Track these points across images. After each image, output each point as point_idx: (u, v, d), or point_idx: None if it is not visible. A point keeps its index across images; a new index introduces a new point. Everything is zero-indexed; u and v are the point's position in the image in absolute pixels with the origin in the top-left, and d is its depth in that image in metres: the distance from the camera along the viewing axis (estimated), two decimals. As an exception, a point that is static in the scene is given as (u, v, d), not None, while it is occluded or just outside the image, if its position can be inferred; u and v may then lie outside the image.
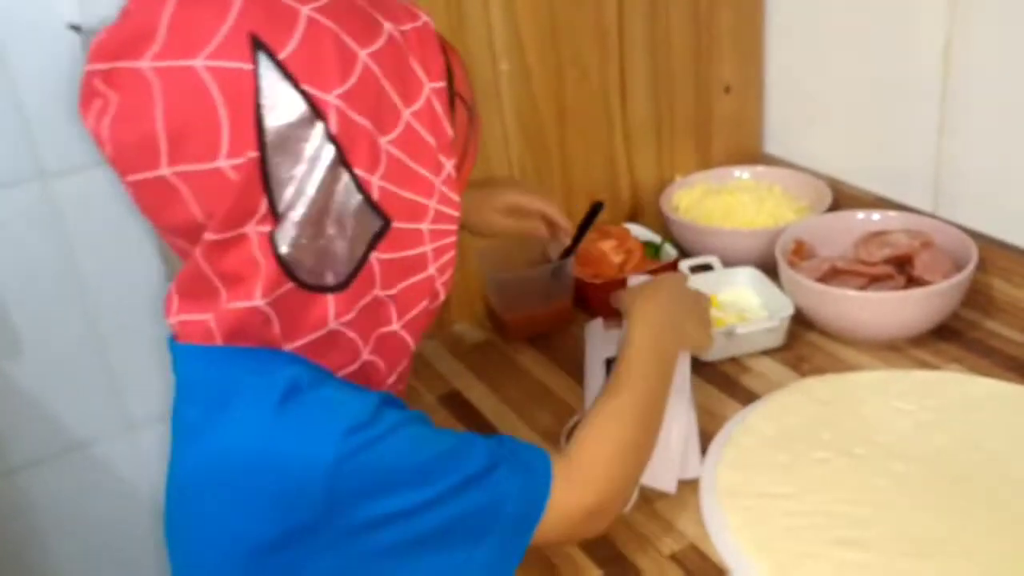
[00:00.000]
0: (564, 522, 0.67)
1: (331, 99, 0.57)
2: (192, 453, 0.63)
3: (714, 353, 1.00)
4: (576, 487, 0.67)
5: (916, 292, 0.96)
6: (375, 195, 0.60)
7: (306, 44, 0.56)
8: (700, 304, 0.90)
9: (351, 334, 0.63)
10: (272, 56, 0.55)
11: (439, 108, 0.64)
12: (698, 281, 1.09)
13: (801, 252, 1.07)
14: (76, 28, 1.05)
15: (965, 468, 0.80)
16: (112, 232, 1.05)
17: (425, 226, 0.64)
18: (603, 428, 0.72)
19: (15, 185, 0.99)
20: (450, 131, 0.65)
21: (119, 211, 1.03)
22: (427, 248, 0.65)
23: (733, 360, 1.00)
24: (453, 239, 0.67)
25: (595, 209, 1.11)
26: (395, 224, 0.62)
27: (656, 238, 1.20)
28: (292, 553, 0.59)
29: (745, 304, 1.06)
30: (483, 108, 1.09)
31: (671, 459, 0.82)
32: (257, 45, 0.55)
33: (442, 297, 0.69)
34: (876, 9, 1.11)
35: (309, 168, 0.57)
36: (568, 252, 1.09)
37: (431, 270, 0.66)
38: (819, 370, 0.96)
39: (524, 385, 1.02)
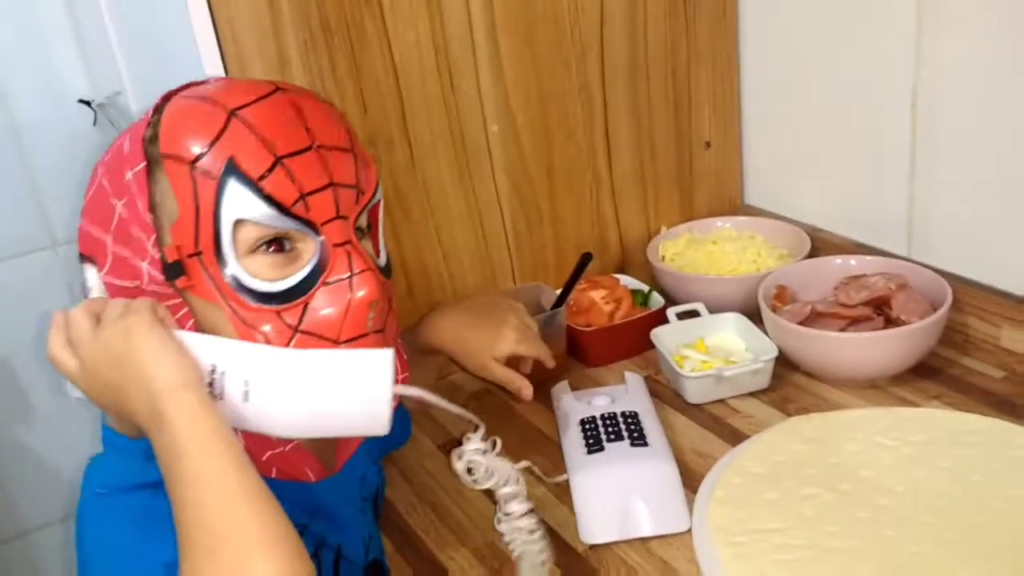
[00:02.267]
0: None
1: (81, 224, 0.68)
2: None
3: (703, 396, 1.04)
4: None
5: (894, 332, 1.00)
6: (110, 292, 0.66)
7: None
8: None
9: None
10: None
11: (135, 189, 0.64)
12: (686, 327, 1.13)
13: (783, 297, 1.11)
14: (87, 103, 1.10)
15: (947, 501, 0.82)
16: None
17: None
18: None
19: (30, 253, 1.03)
20: (144, 211, 0.64)
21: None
22: None
23: (721, 402, 1.04)
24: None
25: (584, 260, 1.16)
26: None
27: (643, 287, 1.24)
28: None
29: (731, 348, 1.10)
30: (476, 169, 1.16)
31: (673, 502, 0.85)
32: None
33: None
34: (845, 63, 1.17)
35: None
36: (559, 302, 1.13)
37: None
38: (804, 410, 1.00)
39: (523, 433, 1.05)
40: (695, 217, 1.35)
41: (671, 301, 1.20)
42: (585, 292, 1.20)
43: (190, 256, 0.63)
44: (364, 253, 0.66)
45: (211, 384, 0.60)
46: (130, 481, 0.63)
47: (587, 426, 0.93)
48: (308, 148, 0.64)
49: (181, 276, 0.64)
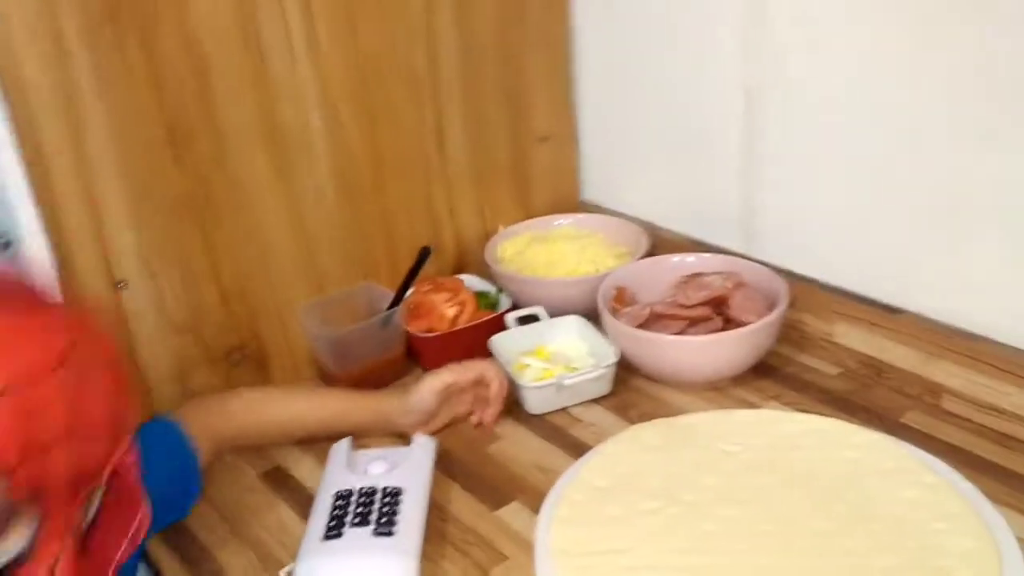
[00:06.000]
0: None
1: None
2: None
3: (544, 406, 0.99)
4: None
5: (731, 333, 0.98)
6: None
7: None
8: None
9: None
10: None
11: None
12: (525, 333, 1.08)
13: (622, 298, 1.08)
14: None
15: (791, 508, 0.81)
16: None
17: None
18: None
19: None
20: None
21: None
22: None
23: (563, 411, 0.99)
24: None
25: (423, 255, 1.09)
26: None
27: (491, 288, 1.18)
28: None
29: (572, 354, 1.06)
30: (296, 162, 1.06)
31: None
32: None
33: None
34: (678, 56, 1.15)
35: None
36: (396, 300, 1.06)
37: None
38: (647, 416, 0.96)
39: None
40: (533, 214, 1.30)
41: (512, 306, 1.14)
42: (427, 295, 1.13)
43: None
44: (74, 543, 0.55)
45: None
46: None
47: (340, 501, 0.82)
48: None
49: None
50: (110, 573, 0.62)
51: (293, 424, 0.96)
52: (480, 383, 0.97)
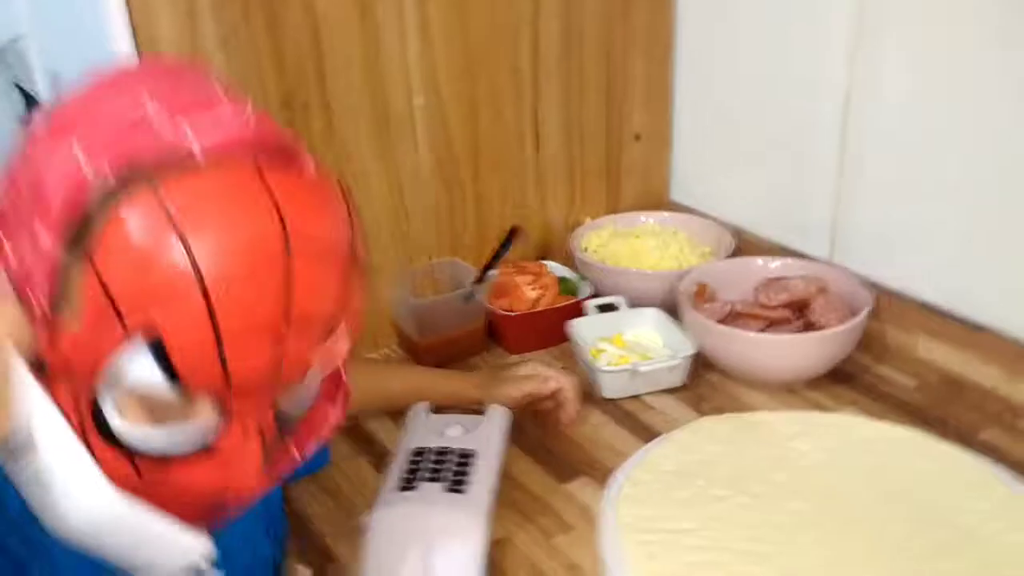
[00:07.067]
0: None
1: None
2: None
3: (618, 391, 1.01)
4: None
5: (812, 335, 0.98)
6: None
7: None
8: None
9: None
10: None
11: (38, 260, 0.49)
12: (604, 320, 1.10)
13: (703, 295, 1.09)
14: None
15: (859, 510, 0.81)
16: None
17: None
18: None
19: None
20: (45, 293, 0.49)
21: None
22: None
23: (635, 398, 1.01)
24: None
25: (512, 234, 1.11)
26: None
27: (572, 275, 1.20)
28: None
29: (649, 344, 1.07)
30: (399, 140, 1.10)
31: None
32: None
33: None
34: (778, 60, 1.16)
35: None
36: (481, 277, 1.09)
37: None
38: (718, 409, 0.98)
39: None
40: (620, 209, 1.32)
41: (594, 293, 1.17)
42: (511, 276, 1.16)
43: (61, 368, 0.50)
44: (263, 444, 0.53)
45: (12, 438, 0.50)
46: None
47: (416, 457, 0.85)
48: (266, 327, 0.48)
49: (40, 374, 0.50)
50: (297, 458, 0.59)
51: (386, 401, 0.99)
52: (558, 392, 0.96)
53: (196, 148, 0.47)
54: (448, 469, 0.83)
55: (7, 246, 0.50)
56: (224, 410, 0.51)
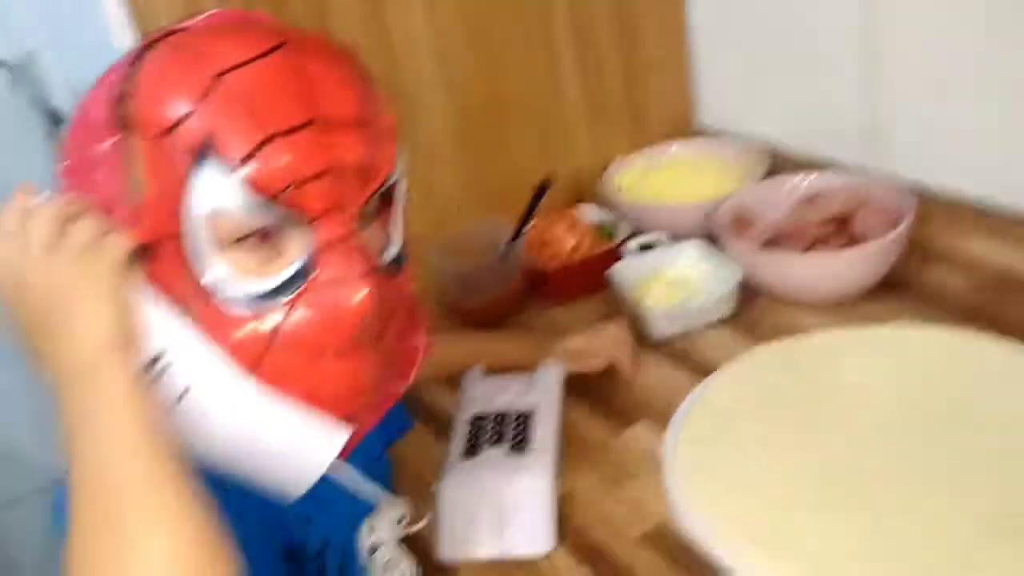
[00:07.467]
0: None
1: None
2: None
3: (667, 330, 1.01)
4: None
5: (857, 250, 0.97)
6: None
7: None
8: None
9: None
10: None
11: (105, 164, 0.56)
12: (645, 260, 1.09)
13: (743, 220, 1.08)
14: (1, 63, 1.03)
15: (936, 426, 0.79)
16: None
17: None
18: None
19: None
20: (116, 186, 0.55)
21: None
22: None
23: (686, 336, 1.01)
24: None
25: (541, 189, 1.11)
26: None
27: (609, 218, 1.19)
28: None
29: (693, 277, 1.07)
30: (417, 105, 1.09)
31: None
32: None
33: None
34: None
35: None
36: (517, 234, 1.09)
37: None
38: (770, 335, 0.97)
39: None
40: (649, 141, 1.30)
41: (632, 233, 1.16)
42: (546, 227, 1.15)
43: (157, 242, 0.55)
44: (364, 251, 0.57)
45: (147, 369, 0.54)
46: None
47: (476, 424, 0.86)
48: (306, 124, 0.54)
49: (145, 262, 0.56)
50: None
51: (449, 368, 0.98)
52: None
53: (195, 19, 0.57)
54: (509, 431, 0.85)
55: (85, 187, 0.56)
56: (309, 227, 0.55)
